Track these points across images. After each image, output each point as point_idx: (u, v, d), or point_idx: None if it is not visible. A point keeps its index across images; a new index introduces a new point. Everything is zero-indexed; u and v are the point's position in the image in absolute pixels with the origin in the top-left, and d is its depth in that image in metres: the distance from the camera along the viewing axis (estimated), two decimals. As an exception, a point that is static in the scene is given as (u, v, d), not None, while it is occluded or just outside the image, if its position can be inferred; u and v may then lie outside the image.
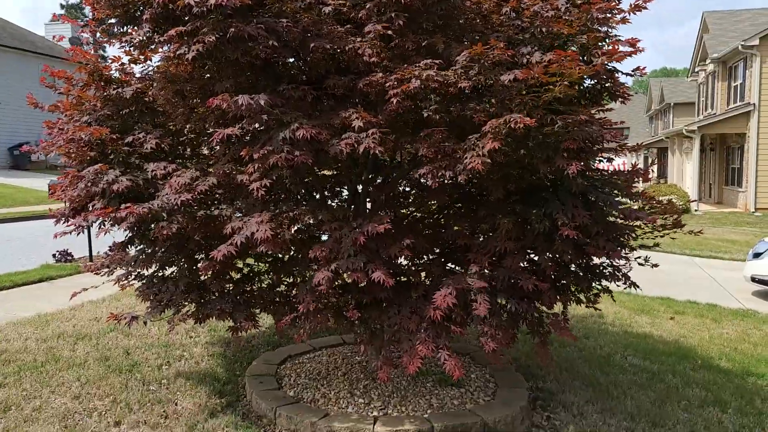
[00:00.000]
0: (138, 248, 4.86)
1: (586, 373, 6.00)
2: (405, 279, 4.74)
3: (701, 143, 26.60)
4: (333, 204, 5.27)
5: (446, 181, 3.90)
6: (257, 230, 3.84)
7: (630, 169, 4.77)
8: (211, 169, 4.42)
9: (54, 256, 11.13)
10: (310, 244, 4.28)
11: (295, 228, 4.31)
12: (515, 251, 4.24)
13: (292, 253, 4.75)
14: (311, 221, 4.27)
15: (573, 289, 4.63)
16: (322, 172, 5.26)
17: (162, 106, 4.69)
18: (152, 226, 4.02)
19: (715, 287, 10.70)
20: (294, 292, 4.63)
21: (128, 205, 3.81)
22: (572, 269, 4.61)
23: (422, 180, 4.36)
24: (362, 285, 4.07)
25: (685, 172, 30.52)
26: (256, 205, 4.41)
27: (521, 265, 4.16)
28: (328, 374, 5.44)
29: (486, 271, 4.27)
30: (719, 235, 17.50)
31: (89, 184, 4.01)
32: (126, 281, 4.93)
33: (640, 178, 4.78)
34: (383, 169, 5.43)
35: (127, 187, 4.04)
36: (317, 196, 4.87)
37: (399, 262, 4.43)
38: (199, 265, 4.39)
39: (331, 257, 4.07)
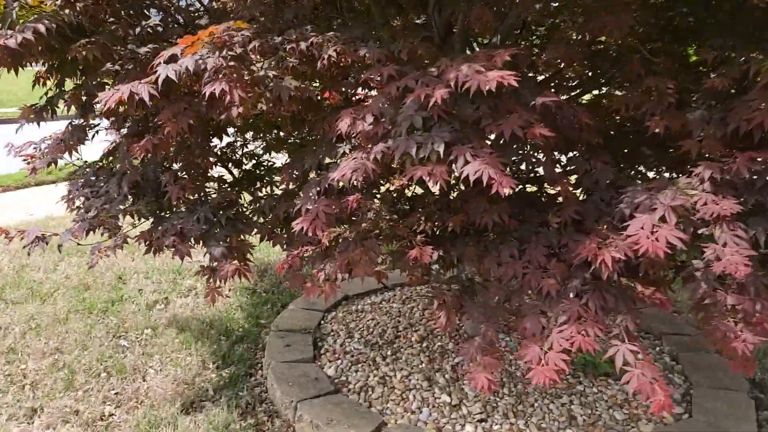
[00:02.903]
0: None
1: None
2: (535, 191, 2.46)
3: None
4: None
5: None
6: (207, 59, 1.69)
7: None
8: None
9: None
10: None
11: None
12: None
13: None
14: (342, 58, 2.04)
15: None
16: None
17: None
18: None
19: None
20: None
21: None
22: None
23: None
24: (440, 190, 1.89)
25: None
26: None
27: None
28: (397, 337, 3.36)
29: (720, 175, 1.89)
30: None
31: None
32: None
33: None
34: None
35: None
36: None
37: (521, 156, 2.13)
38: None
39: (376, 132, 1.86)
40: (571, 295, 1.88)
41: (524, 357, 1.82)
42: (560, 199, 2.38)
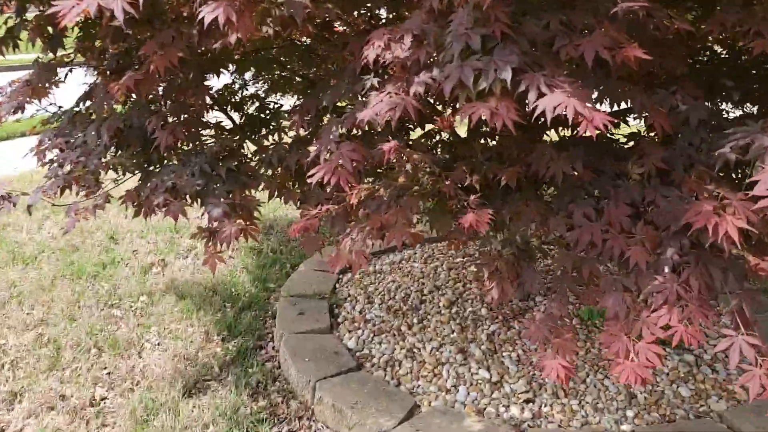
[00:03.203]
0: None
1: None
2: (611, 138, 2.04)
3: None
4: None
5: None
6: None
7: None
8: None
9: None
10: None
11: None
12: None
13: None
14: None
15: None
16: None
17: None
18: None
19: None
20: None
21: None
22: None
23: None
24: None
25: None
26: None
27: None
28: (423, 302, 2.99)
29: None
30: None
31: None
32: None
33: None
34: None
35: None
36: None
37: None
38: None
39: (417, 59, 1.45)
40: (666, 270, 1.49)
41: (609, 348, 1.45)
42: (628, 143, 1.98)
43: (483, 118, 1.33)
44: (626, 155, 1.77)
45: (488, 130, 2.34)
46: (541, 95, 1.33)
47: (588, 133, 1.81)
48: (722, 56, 2.35)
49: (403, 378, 2.45)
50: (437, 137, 2.33)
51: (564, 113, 1.28)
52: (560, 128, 2.15)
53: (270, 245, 3.78)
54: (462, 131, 2.28)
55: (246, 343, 2.77)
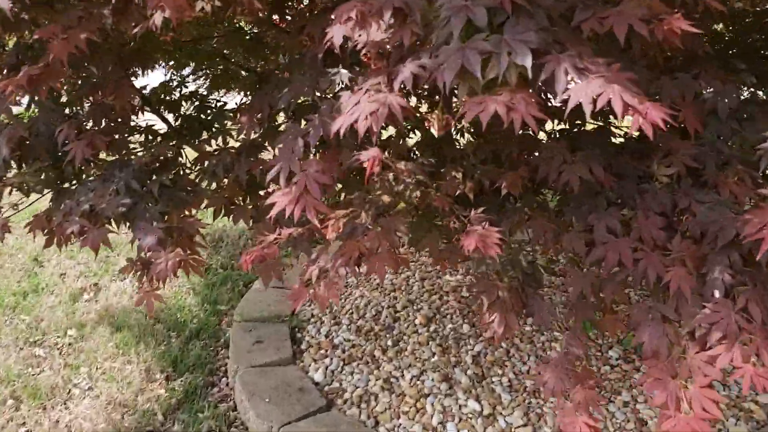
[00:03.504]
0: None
1: None
2: (600, 126, 1.76)
3: None
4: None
5: None
6: None
7: None
8: None
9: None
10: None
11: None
12: None
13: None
14: None
15: None
16: None
17: None
18: None
19: None
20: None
21: None
22: None
23: None
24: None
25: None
26: None
27: None
28: (396, 320, 2.67)
29: None
30: None
31: None
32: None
33: None
34: None
35: None
36: None
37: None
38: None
39: (400, 41, 1.11)
40: (717, 294, 1.20)
41: (654, 397, 1.15)
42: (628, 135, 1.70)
43: (499, 115, 1.00)
44: (645, 152, 1.48)
45: (468, 125, 2.04)
46: (568, 82, 1.02)
47: (587, 127, 1.51)
48: (725, 37, 2.11)
49: (381, 416, 2.12)
50: (411, 136, 2.01)
51: (606, 106, 0.97)
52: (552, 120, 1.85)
53: (219, 260, 3.39)
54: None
55: (195, 380, 2.39)
